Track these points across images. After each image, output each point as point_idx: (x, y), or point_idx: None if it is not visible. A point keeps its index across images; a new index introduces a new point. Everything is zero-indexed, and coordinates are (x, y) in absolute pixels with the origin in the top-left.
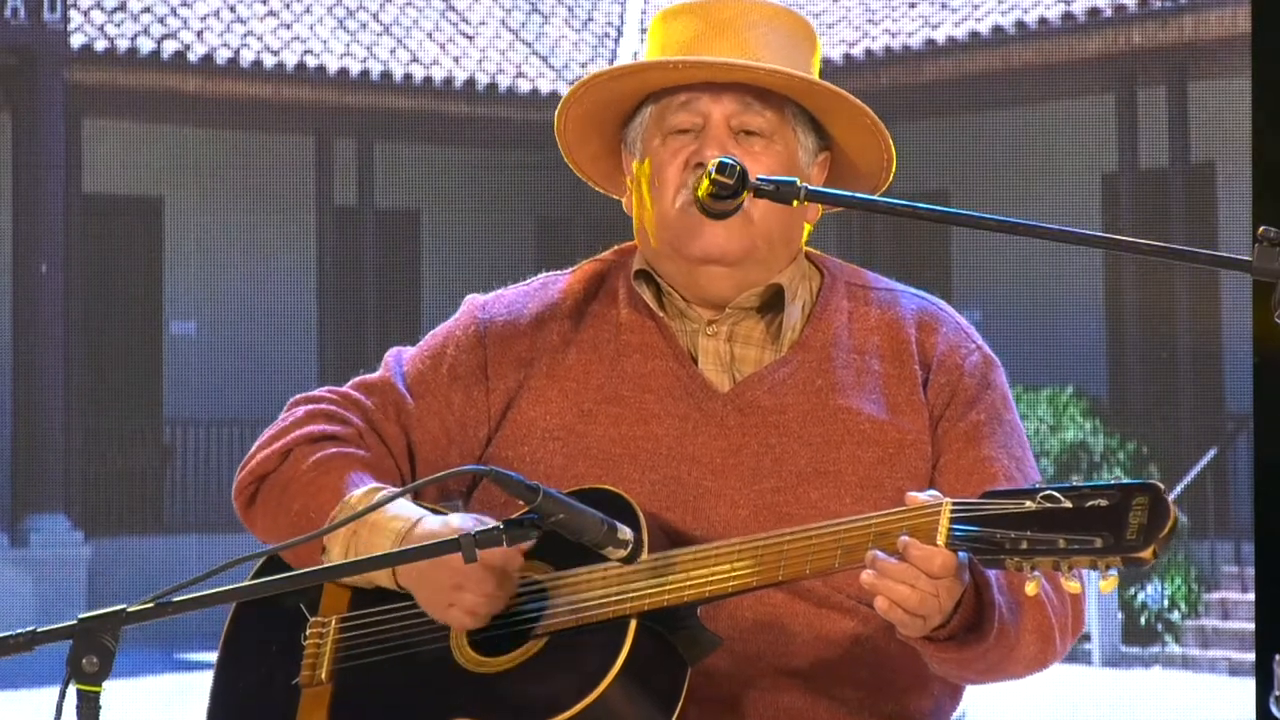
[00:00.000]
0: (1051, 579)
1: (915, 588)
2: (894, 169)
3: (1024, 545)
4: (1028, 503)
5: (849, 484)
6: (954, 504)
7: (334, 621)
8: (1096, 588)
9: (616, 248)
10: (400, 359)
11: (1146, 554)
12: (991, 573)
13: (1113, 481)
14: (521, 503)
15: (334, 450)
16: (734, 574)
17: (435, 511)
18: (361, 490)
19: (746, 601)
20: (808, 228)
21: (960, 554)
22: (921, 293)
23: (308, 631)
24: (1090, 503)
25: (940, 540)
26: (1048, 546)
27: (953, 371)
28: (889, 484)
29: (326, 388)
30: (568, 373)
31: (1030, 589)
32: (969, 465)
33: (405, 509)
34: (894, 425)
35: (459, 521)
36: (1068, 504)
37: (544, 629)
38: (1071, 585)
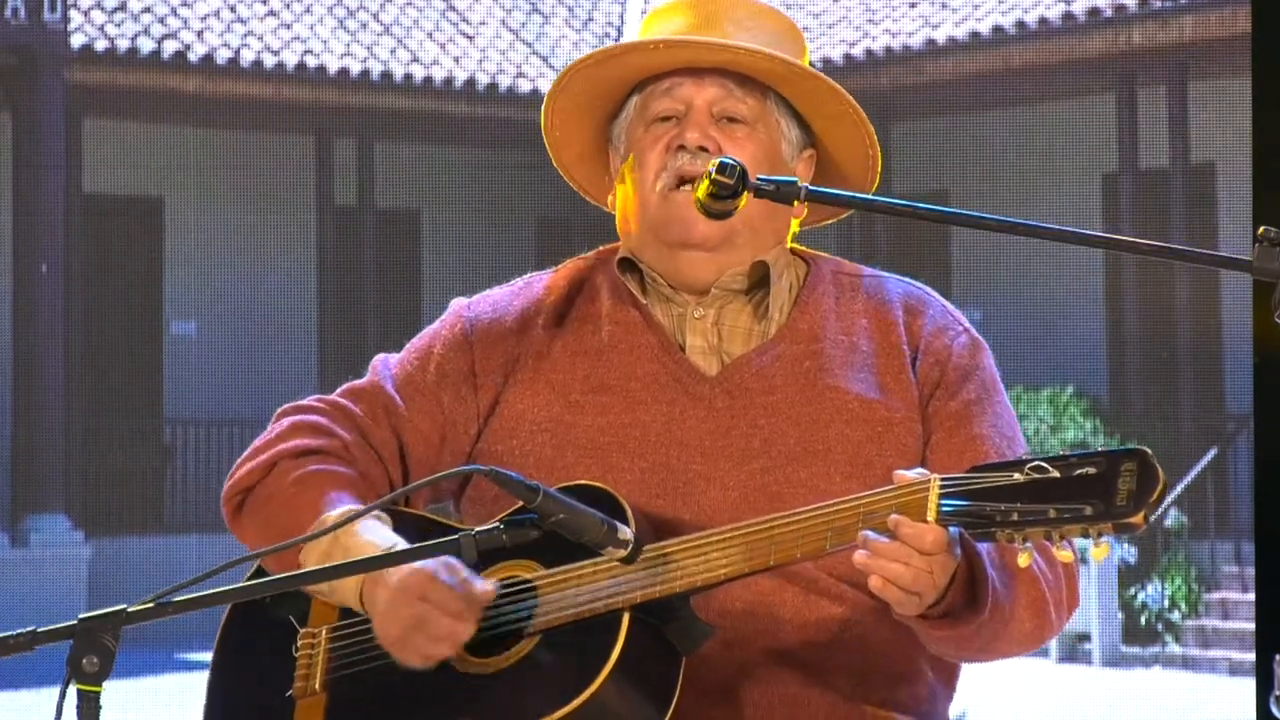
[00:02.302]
0: (1044, 550)
1: (909, 565)
2: (880, 168)
3: (1014, 517)
4: (1016, 474)
5: (838, 462)
6: (942, 479)
7: (324, 631)
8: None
9: (599, 249)
10: (387, 363)
11: (1137, 519)
12: (983, 548)
13: (1100, 449)
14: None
15: (316, 467)
16: (725, 561)
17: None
18: (338, 511)
19: (736, 589)
20: (795, 223)
21: (951, 529)
22: (907, 279)
23: (299, 642)
24: (1078, 471)
25: (930, 516)
26: (1038, 517)
27: (941, 353)
28: (879, 462)
29: (315, 397)
30: (554, 365)
31: (1023, 560)
32: (960, 444)
33: (380, 536)
34: (883, 404)
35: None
36: (1056, 474)
37: (536, 627)
38: (1064, 555)
